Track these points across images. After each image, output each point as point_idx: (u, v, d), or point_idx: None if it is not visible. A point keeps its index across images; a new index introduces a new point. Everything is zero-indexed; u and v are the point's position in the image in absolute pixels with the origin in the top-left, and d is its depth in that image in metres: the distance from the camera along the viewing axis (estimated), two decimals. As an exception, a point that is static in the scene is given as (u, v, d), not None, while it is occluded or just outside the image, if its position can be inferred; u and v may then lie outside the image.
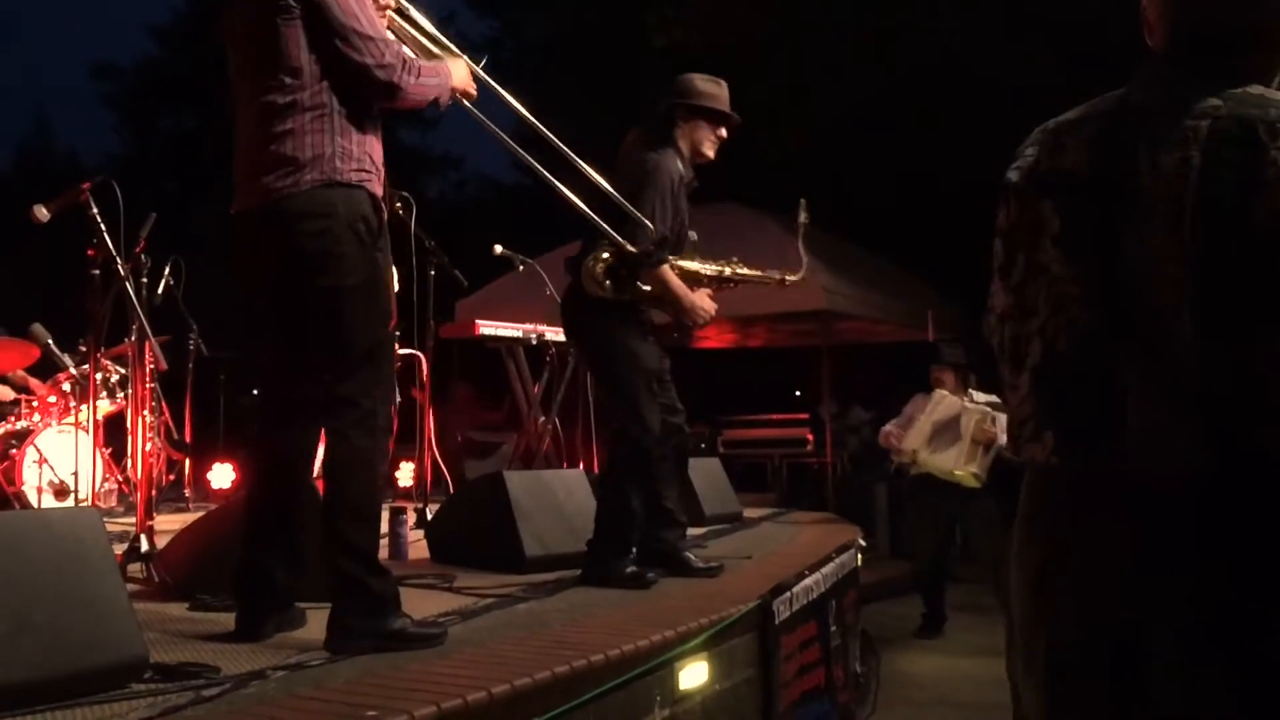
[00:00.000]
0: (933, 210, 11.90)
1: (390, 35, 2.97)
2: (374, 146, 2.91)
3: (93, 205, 3.55)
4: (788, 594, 3.78)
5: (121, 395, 6.47)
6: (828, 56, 11.76)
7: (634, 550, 3.92)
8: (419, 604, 3.38)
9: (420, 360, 5.55)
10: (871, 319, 9.99)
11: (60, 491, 6.15)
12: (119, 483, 6.55)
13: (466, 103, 3.18)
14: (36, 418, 6.39)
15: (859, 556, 5.18)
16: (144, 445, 3.97)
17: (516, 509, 4.11)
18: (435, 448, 5.65)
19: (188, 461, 7.15)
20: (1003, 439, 5.93)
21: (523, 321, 6.45)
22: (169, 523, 4.71)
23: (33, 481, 6.09)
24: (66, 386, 6.43)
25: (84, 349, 6.15)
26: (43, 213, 3.61)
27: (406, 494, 7.94)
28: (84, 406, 6.41)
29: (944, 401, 6.36)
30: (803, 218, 4.33)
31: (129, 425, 6.21)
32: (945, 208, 11.85)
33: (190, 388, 7.14)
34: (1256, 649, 1.40)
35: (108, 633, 2.28)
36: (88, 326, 3.83)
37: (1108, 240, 1.50)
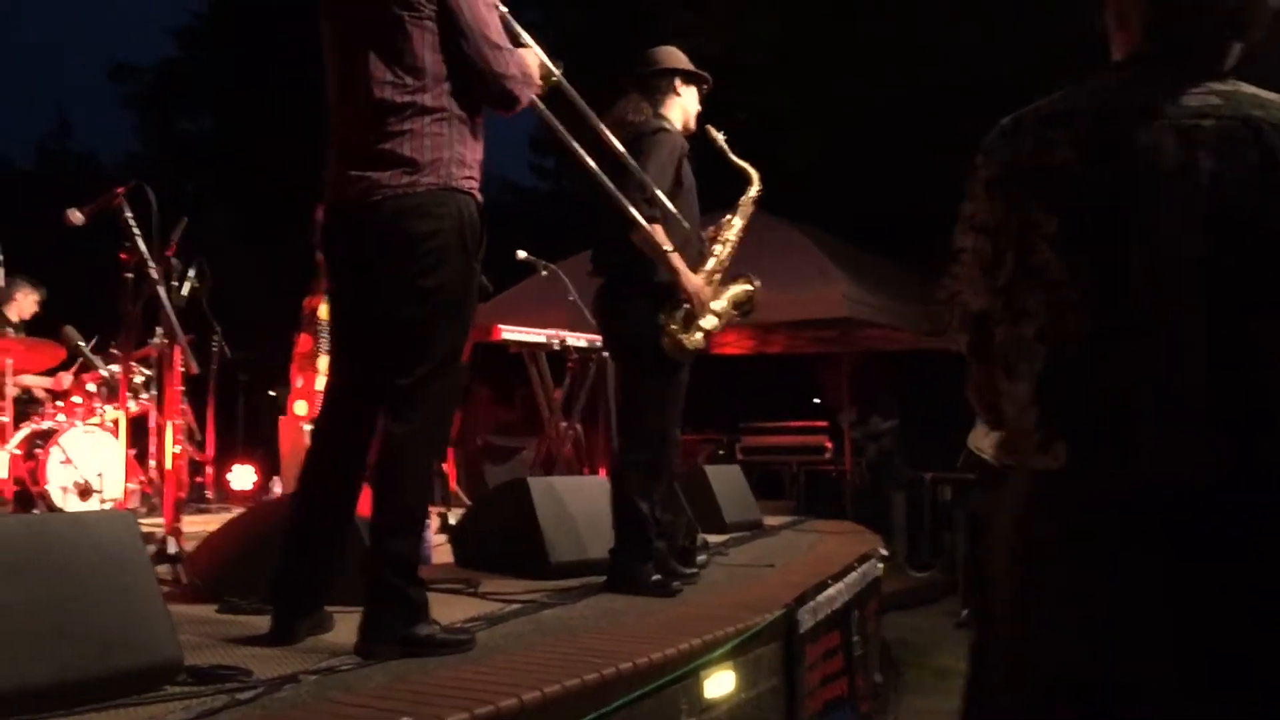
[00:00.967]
0: (954, 218, 11.87)
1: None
2: (480, 154, 2.93)
3: (126, 209, 3.58)
4: (812, 603, 3.78)
5: (145, 396, 6.50)
6: (848, 62, 11.75)
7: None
8: (445, 608, 3.39)
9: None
10: (893, 326, 9.97)
11: (84, 491, 6.19)
12: (141, 484, 6.59)
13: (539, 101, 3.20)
14: (61, 418, 6.43)
15: (880, 566, 5.17)
16: (173, 447, 3.98)
17: (540, 515, 4.12)
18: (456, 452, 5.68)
19: (209, 464, 7.18)
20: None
21: (543, 326, 6.46)
22: (192, 524, 4.73)
23: (58, 481, 6.13)
24: (91, 387, 6.47)
25: (114, 350, 6.20)
26: (77, 216, 3.64)
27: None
28: (108, 407, 6.46)
29: None
30: (753, 192, 4.22)
31: (152, 427, 6.28)
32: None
33: (214, 390, 7.18)
34: (1273, 662, 1.39)
35: (144, 635, 2.30)
36: (120, 328, 3.84)
37: (1111, 243, 1.47)
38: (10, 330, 6.74)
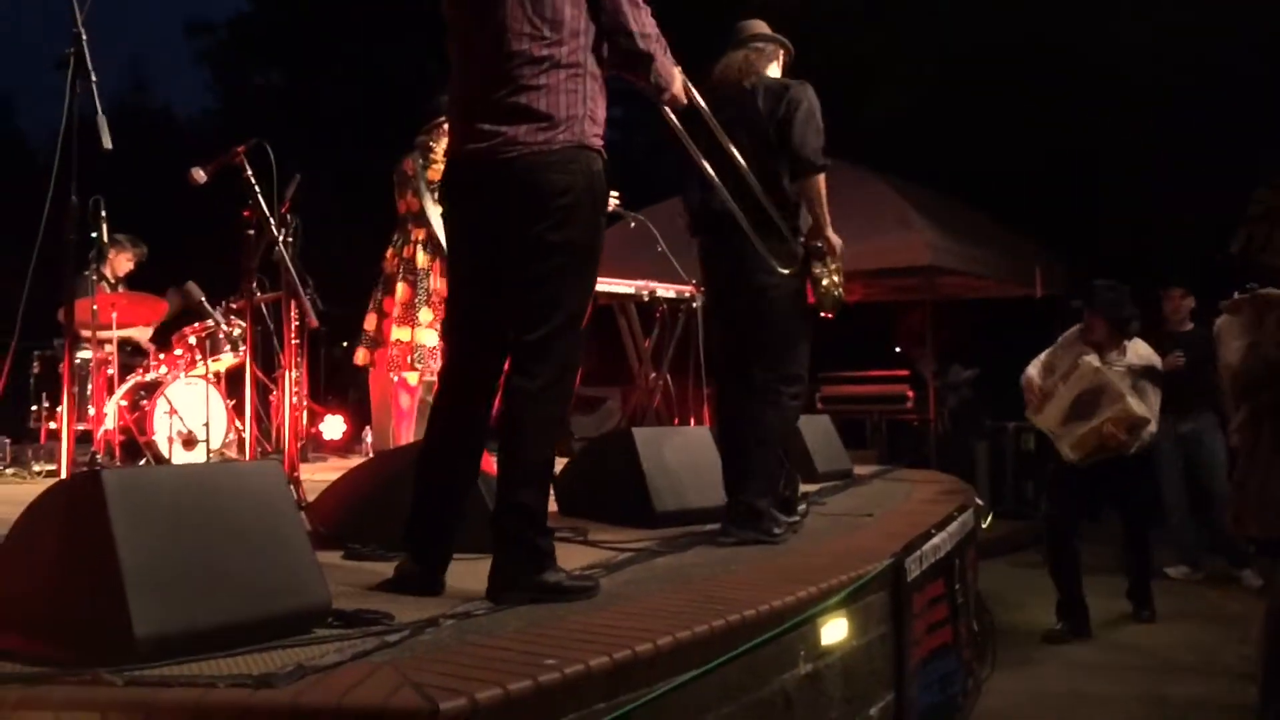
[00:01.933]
0: (1037, 169, 11.68)
1: None
2: (605, 111, 2.95)
3: (247, 167, 3.66)
4: (918, 553, 3.80)
5: (244, 349, 6.66)
6: (928, 14, 11.54)
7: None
8: (559, 556, 3.47)
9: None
10: (976, 274, 9.87)
11: (188, 441, 6.37)
12: (238, 431, 6.77)
13: (670, 113, 3.21)
14: (164, 370, 6.61)
15: (975, 517, 5.17)
16: (291, 398, 4.09)
17: (645, 465, 4.18)
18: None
19: (306, 414, 7.34)
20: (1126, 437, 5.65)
21: (625, 277, 6.49)
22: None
23: (163, 431, 6.31)
24: (193, 340, 6.64)
25: (234, 305, 6.34)
26: (200, 175, 3.73)
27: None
28: (211, 360, 6.63)
29: (1088, 374, 5.74)
30: None
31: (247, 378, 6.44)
32: (1050, 167, 11.62)
33: (307, 343, 7.32)
34: None
35: (295, 579, 2.39)
36: (240, 283, 3.95)
37: None
38: (105, 286, 6.91)
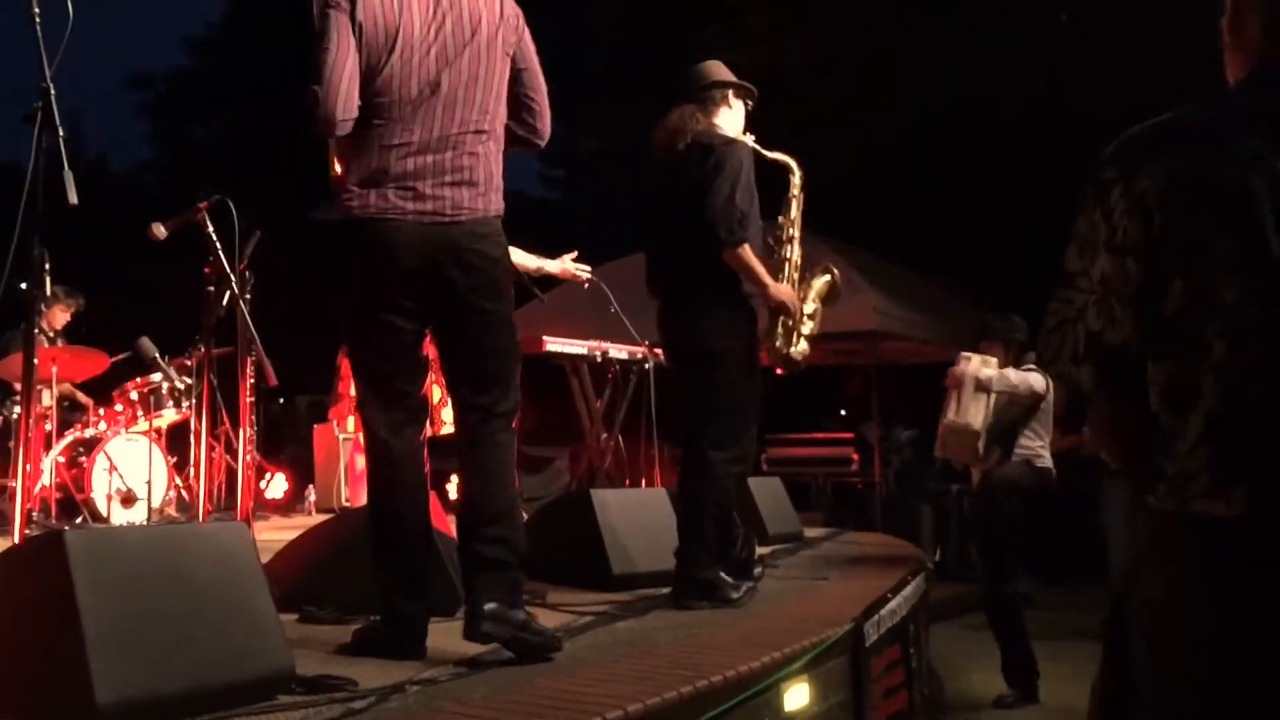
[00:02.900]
0: (985, 233, 11.93)
1: None
2: None
3: (208, 224, 3.62)
4: (876, 617, 3.81)
5: (186, 405, 6.55)
6: (880, 78, 11.81)
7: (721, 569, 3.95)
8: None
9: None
10: (920, 339, 10.01)
11: (127, 499, 6.24)
12: (178, 490, 6.62)
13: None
14: (103, 426, 6.47)
15: (929, 581, 5.20)
16: (245, 455, 4.02)
17: (603, 527, 4.16)
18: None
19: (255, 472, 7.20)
20: (986, 372, 5.33)
21: (578, 337, 6.49)
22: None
23: (101, 489, 6.17)
24: (134, 395, 6.51)
25: (189, 362, 6.24)
26: (160, 230, 3.68)
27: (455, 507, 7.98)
28: (153, 416, 6.50)
29: (957, 373, 5.50)
30: (796, 180, 4.27)
31: (193, 434, 6.31)
32: (997, 230, 11.86)
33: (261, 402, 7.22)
34: None
35: (258, 644, 2.34)
36: (198, 339, 3.88)
37: None
38: (44, 339, 6.76)
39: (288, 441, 11.59)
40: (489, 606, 2.75)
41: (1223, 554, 1.39)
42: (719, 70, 4.17)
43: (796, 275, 4.09)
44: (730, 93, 4.12)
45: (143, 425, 6.45)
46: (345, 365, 5.10)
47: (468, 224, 2.87)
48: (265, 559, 3.79)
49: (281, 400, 13.22)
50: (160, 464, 6.33)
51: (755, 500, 5.85)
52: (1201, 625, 1.41)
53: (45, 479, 6.00)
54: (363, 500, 5.70)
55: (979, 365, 5.46)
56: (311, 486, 7.73)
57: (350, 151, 2.86)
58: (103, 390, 6.87)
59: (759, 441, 10.46)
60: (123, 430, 6.38)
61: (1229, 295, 1.39)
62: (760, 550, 5.31)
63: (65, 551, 2.07)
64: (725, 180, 3.81)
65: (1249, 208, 1.38)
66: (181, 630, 2.18)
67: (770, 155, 4.22)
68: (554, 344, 6.09)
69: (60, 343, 6.81)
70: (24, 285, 3.01)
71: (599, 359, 6.28)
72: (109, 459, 6.15)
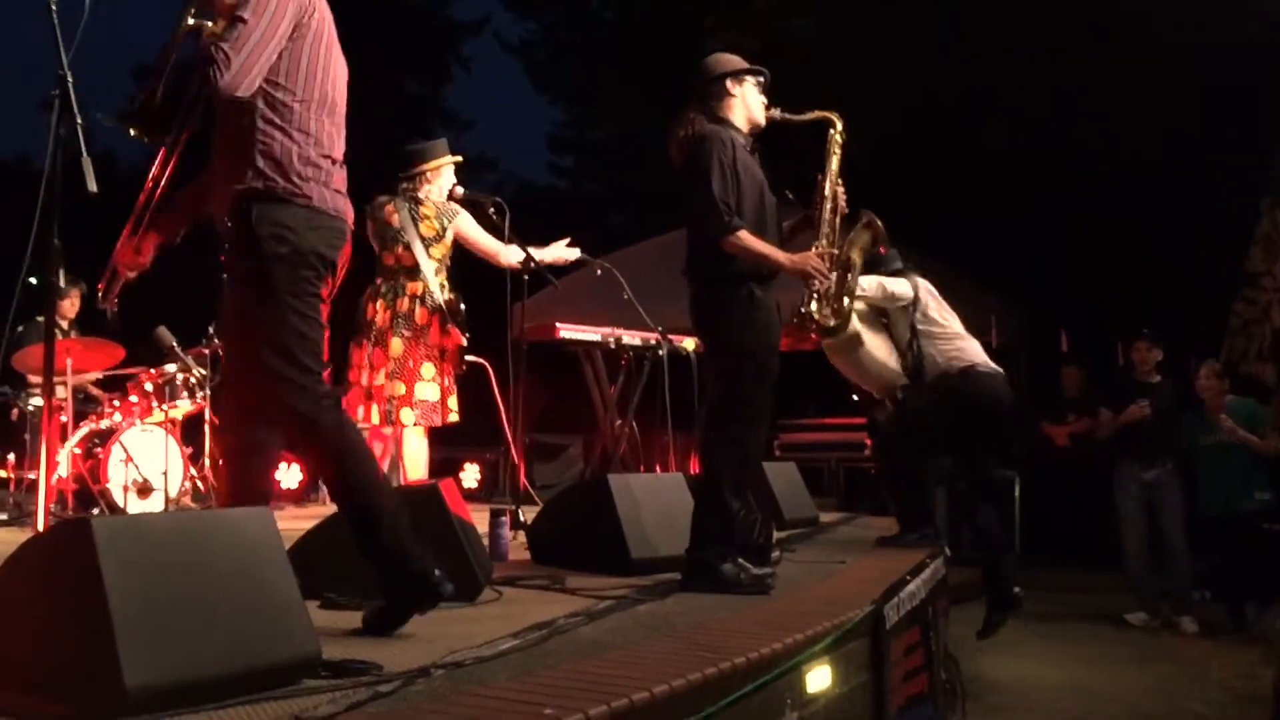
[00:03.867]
0: (992, 217, 11.90)
1: None
2: None
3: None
4: (896, 599, 3.81)
5: (200, 396, 6.57)
6: (885, 62, 11.75)
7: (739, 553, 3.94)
8: (537, 604, 3.45)
9: (486, 366, 5.58)
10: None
11: (143, 490, 6.26)
12: (193, 480, 6.64)
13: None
14: (118, 417, 6.48)
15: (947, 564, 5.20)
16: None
17: (621, 512, 4.15)
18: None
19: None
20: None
21: (591, 324, 6.50)
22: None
23: (118, 479, 6.18)
24: (149, 386, 6.53)
25: (206, 351, 6.26)
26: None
27: (471, 495, 8.01)
28: (164, 406, 6.52)
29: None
30: (835, 133, 4.25)
31: (208, 424, 6.32)
32: (1005, 216, 11.82)
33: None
34: None
35: (285, 629, 2.33)
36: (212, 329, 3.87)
37: None
38: (59, 332, 6.78)
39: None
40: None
41: None
42: (717, 63, 4.14)
43: (833, 237, 4.08)
44: (729, 82, 4.09)
45: (158, 416, 6.46)
46: (356, 355, 5.09)
47: None
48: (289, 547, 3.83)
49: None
50: (176, 454, 6.35)
51: (771, 485, 5.86)
52: None
53: (62, 470, 6.02)
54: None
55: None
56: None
57: None
58: (120, 382, 6.87)
59: (771, 428, 10.50)
60: (138, 421, 6.39)
61: None
62: (777, 535, 5.32)
63: (92, 538, 2.07)
64: (700, 175, 3.84)
65: None
66: (208, 615, 2.18)
67: (802, 118, 4.21)
68: (567, 331, 6.10)
69: (74, 334, 6.82)
70: (33, 280, 3.05)
71: (612, 345, 6.29)
72: (125, 450, 6.16)
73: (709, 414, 3.96)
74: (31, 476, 6.16)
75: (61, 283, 6.22)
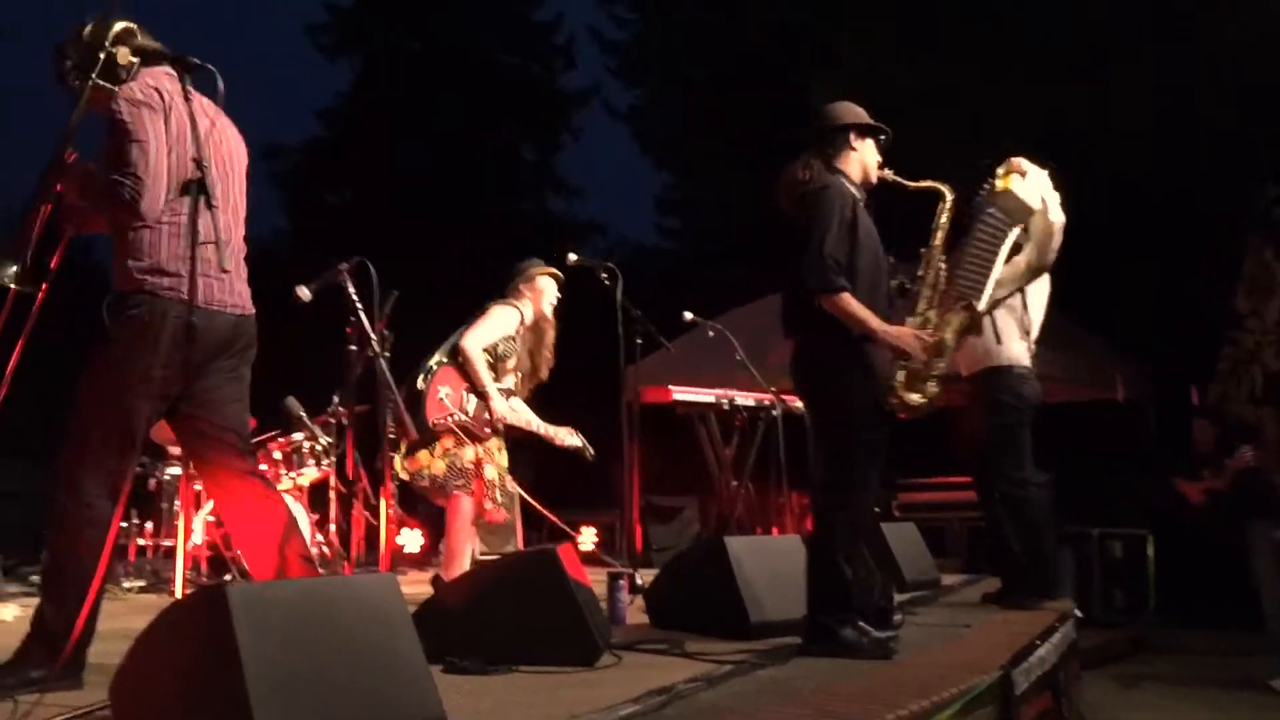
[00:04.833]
0: (1115, 270, 11.60)
1: None
2: None
3: (349, 284, 3.75)
4: (1025, 664, 3.70)
5: (326, 463, 6.73)
6: (987, 110, 11.62)
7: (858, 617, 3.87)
8: (656, 669, 3.43)
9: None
10: (1053, 378, 9.73)
11: (274, 555, 6.41)
12: (319, 545, 6.79)
13: None
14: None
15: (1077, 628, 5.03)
16: (387, 510, 4.11)
17: (739, 575, 4.13)
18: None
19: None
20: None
21: (704, 386, 6.51)
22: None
23: (248, 546, 6.35)
24: (278, 455, 6.72)
25: (332, 420, 6.45)
26: (305, 293, 3.82)
27: (590, 558, 8.02)
28: (292, 474, 6.70)
29: None
30: (946, 207, 4.16)
31: (333, 490, 6.48)
32: (1128, 268, 11.52)
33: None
34: None
35: (411, 694, 2.38)
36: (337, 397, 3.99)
37: None
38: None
39: (419, 498, 11.80)
40: None
41: None
42: (843, 113, 4.10)
43: (933, 314, 4.01)
44: (852, 135, 4.05)
45: (286, 483, 6.64)
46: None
47: None
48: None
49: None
50: (304, 520, 6.51)
51: (890, 547, 5.76)
52: None
53: (196, 538, 6.22)
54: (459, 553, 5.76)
55: None
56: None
57: None
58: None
59: (889, 487, 10.32)
60: (268, 489, 6.57)
61: None
62: (898, 598, 5.22)
63: (227, 605, 2.14)
64: (818, 225, 3.79)
65: None
66: (338, 679, 2.24)
67: (915, 185, 4.16)
68: (681, 394, 6.13)
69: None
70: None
71: (726, 407, 6.29)
72: (255, 517, 6.33)
73: (815, 484, 3.92)
74: (168, 544, 6.37)
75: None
